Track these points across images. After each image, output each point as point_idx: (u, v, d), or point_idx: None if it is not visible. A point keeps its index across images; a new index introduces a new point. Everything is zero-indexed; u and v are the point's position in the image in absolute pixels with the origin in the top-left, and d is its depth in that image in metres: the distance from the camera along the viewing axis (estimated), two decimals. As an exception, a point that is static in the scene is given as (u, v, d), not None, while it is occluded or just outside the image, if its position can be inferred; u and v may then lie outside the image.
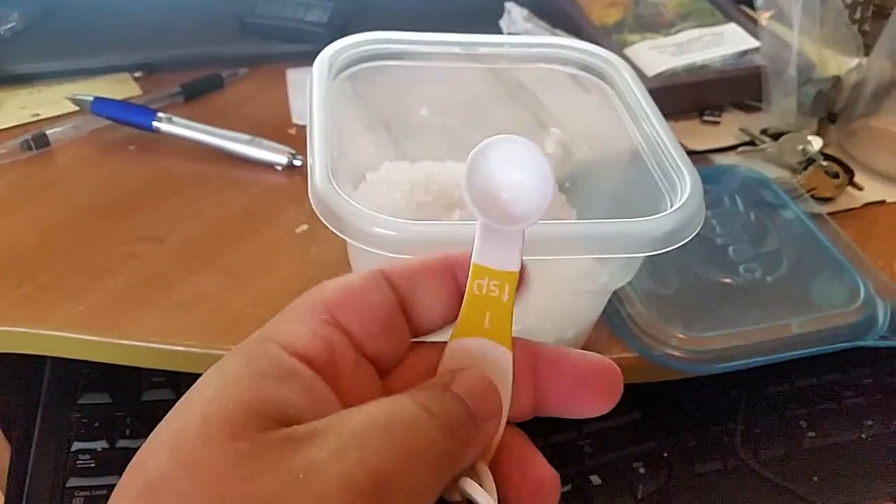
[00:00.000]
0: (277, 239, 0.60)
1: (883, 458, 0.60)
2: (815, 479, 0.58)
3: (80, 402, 0.60)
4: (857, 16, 0.81)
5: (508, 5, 0.80)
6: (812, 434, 0.61)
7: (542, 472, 0.27)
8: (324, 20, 0.77)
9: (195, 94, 0.74)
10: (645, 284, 0.56)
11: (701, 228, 0.44)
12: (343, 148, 0.48)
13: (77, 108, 0.69)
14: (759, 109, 0.76)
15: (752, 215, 0.64)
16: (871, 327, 0.56)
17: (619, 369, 0.28)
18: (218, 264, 0.58)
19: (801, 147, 0.71)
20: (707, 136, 0.74)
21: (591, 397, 0.27)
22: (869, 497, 0.58)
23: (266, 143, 0.66)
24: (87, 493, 0.55)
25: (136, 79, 0.75)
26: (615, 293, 0.55)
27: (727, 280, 0.59)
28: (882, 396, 0.64)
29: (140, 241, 0.59)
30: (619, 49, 0.75)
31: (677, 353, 0.53)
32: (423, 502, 0.22)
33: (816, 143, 0.71)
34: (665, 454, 0.59)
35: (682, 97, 0.75)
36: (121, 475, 0.22)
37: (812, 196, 0.67)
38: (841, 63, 0.75)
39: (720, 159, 0.72)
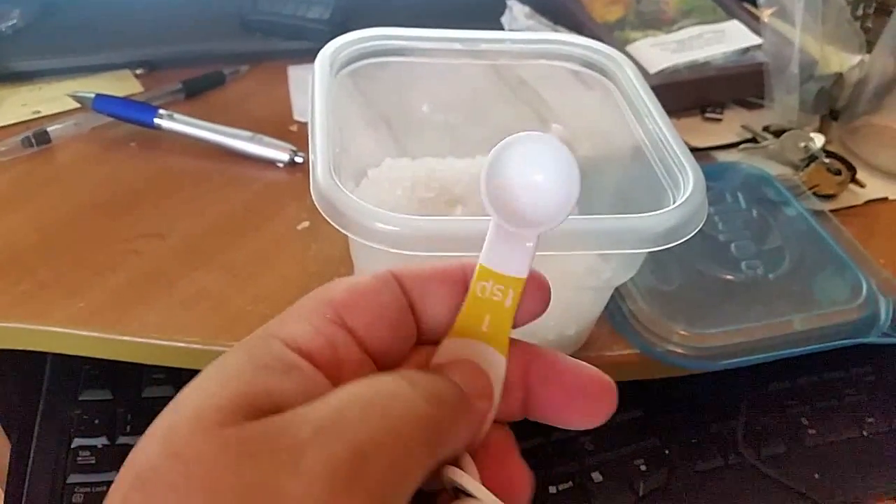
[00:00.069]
0: (279, 236, 0.60)
1: (884, 455, 0.60)
2: (816, 476, 0.58)
3: (80, 398, 0.60)
4: (860, 12, 0.81)
5: (510, 2, 0.80)
6: (813, 431, 0.61)
7: (513, 472, 0.26)
8: (325, 17, 0.77)
9: (196, 91, 0.74)
10: (647, 281, 0.56)
11: (703, 225, 0.44)
12: (345, 144, 0.48)
13: (78, 105, 0.69)
14: (761, 106, 0.76)
15: (755, 212, 0.64)
16: (873, 324, 0.56)
17: (613, 385, 0.27)
18: (219, 261, 0.58)
19: (803, 144, 0.71)
20: (709, 134, 0.74)
21: (580, 410, 0.27)
22: (870, 494, 0.58)
23: (267, 139, 0.66)
24: (88, 489, 0.55)
25: (137, 76, 0.75)
26: (617, 290, 0.55)
27: (729, 277, 0.59)
28: (883, 394, 0.64)
29: (141, 237, 0.59)
30: (620, 46, 0.75)
31: (679, 350, 0.53)
32: (411, 474, 0.22)
33: (818, 140, 0.71)
34: (666, 451, 0.59)
35: (684, 94, 0.75)
36: (121, 472, 0.22)
37: (814, 193, 0.67)
38: (843, 60, 0.75)
39: (722, 156, 0.72)
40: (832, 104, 0.76)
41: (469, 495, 0.24)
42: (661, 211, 0.43)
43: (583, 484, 0.56)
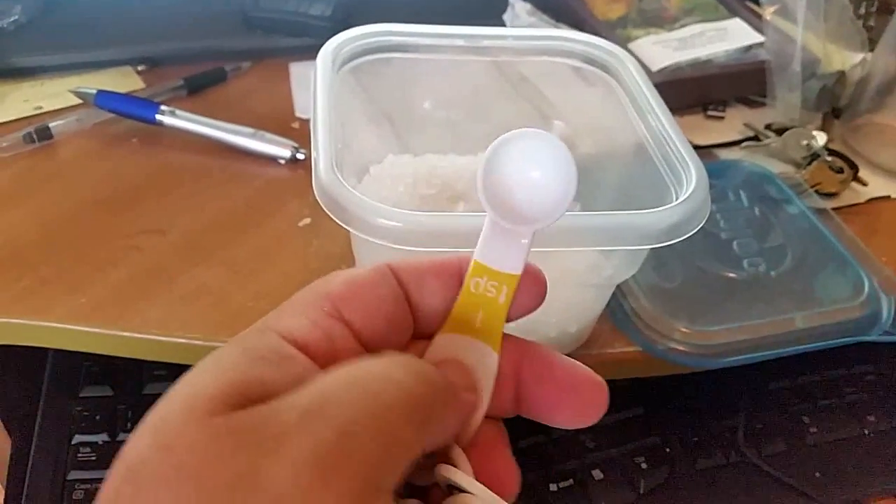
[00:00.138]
0: (280, 232, 0.60)
1: (885, 454, 0.60)
2: (818, 474, 0.58)
3: (81, 395, 0.60)
4: (862, 11, 0.80)
5: (512, 0, 0.80)
6: (814, 430, 0.61)
7: (502, 467, 0.26)
8: (327, 13, 0.77)
9: (198, 88, 0.74)
10: (649, 278, 0.56)
11: (705, 223, 0.44)
12: (347, 141, 0.48)
13: (80, 101, 0.69)
14: (763, 104, 0.76)
15: (757, 210, 0.64)
16: (874, 322, 0.56)
17: (605, 385, 0.27)
18: (220, 257, 0.58)
19: (805, 142, 0.71)
20: (711, 131, 0.74)
21: (570, 408, 0.27)
22: (871, 493, 0.58)
23: (269, 136, 0.66)
24: (88, 485, 0.55)
25: (139, 72, 0.75)
26: (619, 287, 0.55)
27: (731, 274, 0.59)
28: (884, 392, 0.64)
29: (142, 233, 0.59)
30: (622, 44, 0.75)
31: (681, 348, 0.53)
32: (399, 455, 0.22)
33: (821, 138, 0.71)
34: (667, 449, 0.59)
35: (686, 92, 0.75)
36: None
37: (816, 191, 0.67)
38: (845, 58, 0.75)
39: (724, 154, 0.72)
40: (834, 102, 0.75)
41: (463, 491, 0.24)
42: (664, 208, 0.43)
43: (583, 481, 0.56)
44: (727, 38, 0.77)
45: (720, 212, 0.63)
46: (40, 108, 0.70)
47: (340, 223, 0.41)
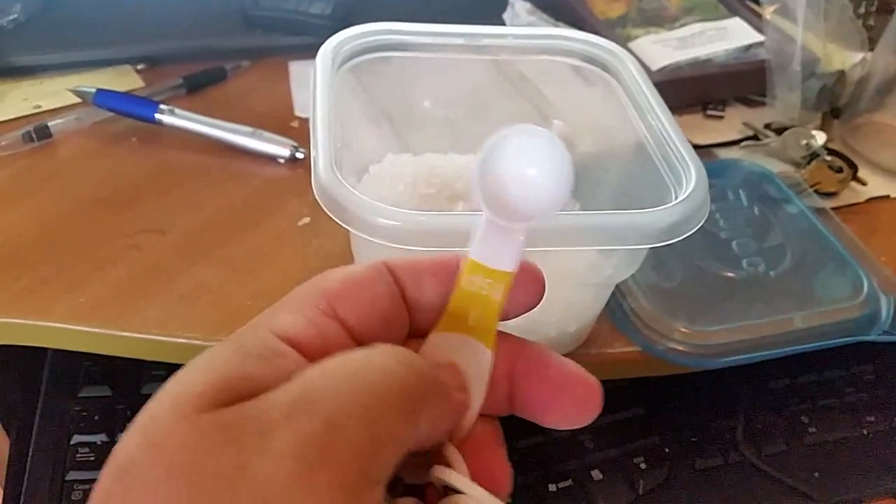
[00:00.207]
0: (279, 232, 0.60)
1: (884, 454, 0.60)
2: (816, 474, 0.58)
3: (80, 395, 0.60)
4: (862, 10, 0.80)
5: (512, -1, 0.80)
6: (813, 430, 0.61)
7: (495, 466, 0.26)
8: (326, 12, 0.77)
9: (198, 87, 0.73)
10: (648, 278, 0.56)
11: (704, 222, 0.44)
12: (346, 140, 0.48)
13: (79, 100, 0.69)
14: (762, 104, 0.76)
15: (756, 209, 0.64)
16: (874, 322, 0.56)
17: (599, 387, 0.26)
18: (219, 257, 0.57)
19: (804, 142, 0.71)
20: (710, 131, 0.74)
21: (562, 407, 0.26)
22: (870, 493, 0.58)
23: (268, 135, 0.66)
24: (87, 486, 0.55)
25: (138, 71, 0.75)
26: (618, 287, 0.55)
27: (730, 274, 0.59)
28: (884, 392, 0.64)
29: (142, 232, 0.59)
30: (622, 43, 0.74)
31: (680, 348, 0.53)
32: (388, 445, 0.21)
33: (820, 137, 0.71)
34: (666, 449, 0.59)
35: (686, 91, 0.75)
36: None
37: (816, 191, 0.67)
38: (845, 58, 0.75)
39: (724, 153, 0.72)
40: (834, 102, 0.75)
41: (458, 492, 0.24)
42: (663, 207, 0.43)
43: (583, 482, 0.56)
44: (727, 37, 0.77)
45: (719, 211, 0.63)
46: (39, 106, 0.70)
47: (340, 222, 0.41)
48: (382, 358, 0.23)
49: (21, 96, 0.71)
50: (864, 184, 0.69)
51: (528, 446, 0.58)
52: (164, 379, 0.60)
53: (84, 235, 0.58)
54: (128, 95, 0.69)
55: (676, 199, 0.44)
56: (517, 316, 0.27)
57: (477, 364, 0.26)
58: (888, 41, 0.73)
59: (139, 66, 0.75)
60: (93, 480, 0.55)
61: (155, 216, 0.60)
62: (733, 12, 0.80)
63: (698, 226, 0.43)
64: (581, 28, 0.75)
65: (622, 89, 0.53)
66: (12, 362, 0.62)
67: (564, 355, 0.27)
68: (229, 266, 0.57)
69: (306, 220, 0.61)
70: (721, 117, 0.76)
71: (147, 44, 0.76)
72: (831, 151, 0.71)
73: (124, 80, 0.74)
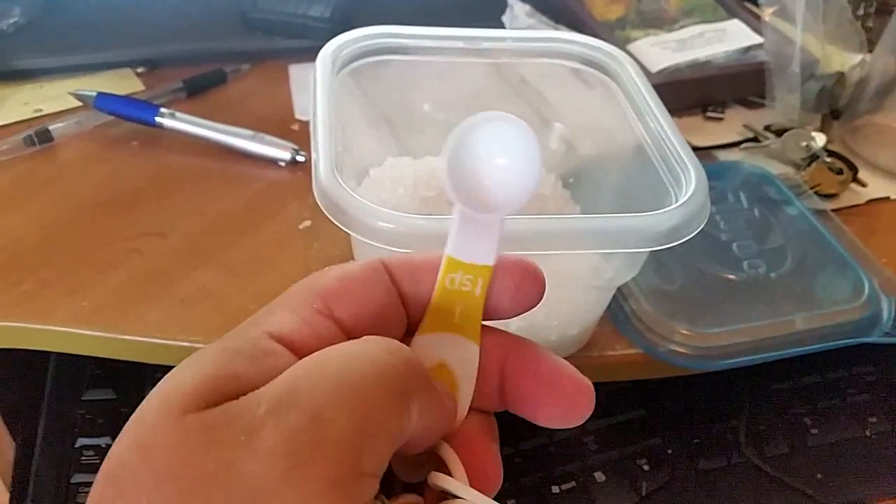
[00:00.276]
0: (280, 235, 0.60)
1: (887, 455, 0.60)
2: (819, 476, 0.58)
3: (84, 398, 0.60)
4: (861, 12, 0.80)
5: (511, 1, 0.80)
6: (816, 431, 0.61)
7: (487, 461, 0.26)
8: (326, 15, 0.77)
9: (198, 90, 0.73)
10: (649, 280, 0.56)
11: (705, 224, 0.44)
12: (346, 143, 0.48)
13: (80, 104, 0.69)
14: (762, 106, 0.76)
15: (756, 211, 0.64)
16: (875, 324, 0.56)
17: (590, 387, 0.26)
18: (220, 260, 0.58)
19: (804, 143, 0.71)
20: (710, 133, 0.74)
21: (553, 405, 0.26)
22: (873, 494, 0.58)
23: (269, 138, 0.66)
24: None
25: (138, 74, 0.75)
26: (619, 289, 0.55)
27: (731, 276, 0.59)
28: (886, 393, 0.64)
29: (143, 236, 0.59)
30: (621, 45, 0.75)
31: (681, 350, 0.53)
32: (377, 435, 0.21)
33: (820, 139, 0.71)
34: (669, 451, 0.59)
35: (686, 93, 0.75)
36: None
37: (816, 192, 0.67)
38: (844, 59, 0.75)
39: (724, 156, 0.72)
40: (833, 103, 0.76)
41: (455, 496, 0.24)
42: (663, 210, 0.43)
43: (585, 483, 0.56)
44: (726, 39, 0.77)
45: (720, 213, 0.63)
46: (40, 110, 0.70)
47: (340, 226, 0.41)
48: (369, 348, 0.23)
49: (22, 100, 0.71)
50: (864, 185, 0.70)
51: (531, 448, 0.58)
52: (166, 383, 0.58)
53: (85, 239, 0.58)
54: (128, 99, 0.69)
55: (676, 201, 0.44)
56: (518, 315, 0.27)
57: (464, 360, 0.26)
58: (887, 42, 0.73)
59: (139, 70, 0.76)
60: (96, 484, 0.55)
61: (156, 220, 0.61)
62: (732, 14, 0.81)
63: (699, 229, 0.43)
64: (580, 30, 0.75)
65: (622, 92, 0.53)
66: (16, 366, 0.62)
67: (566, 358, 0.27)
68: (230, 269, 0.57)
69: (307, 223, 0.61)
70: (721, 119, 0.76)
71: (147, 47, 0.77)
72: (831, 153, 0.71)
73: (125, 83, 0.74)
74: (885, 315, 0.56)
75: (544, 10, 0.80)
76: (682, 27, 0.79)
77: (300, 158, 0.66)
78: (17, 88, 0.72)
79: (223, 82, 0.75)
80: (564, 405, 0.26)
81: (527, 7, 0.79)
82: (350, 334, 0.25)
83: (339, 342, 0.24)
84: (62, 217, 0.60)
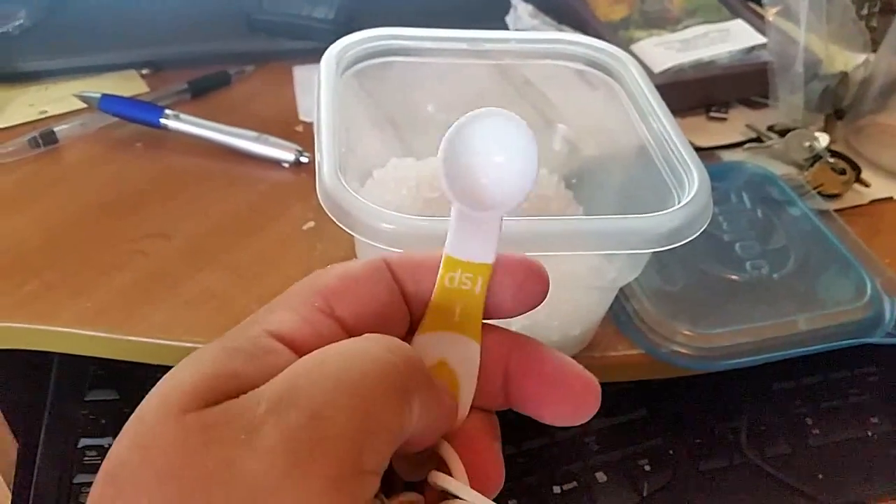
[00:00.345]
0: (284, 236, 0.60)
1: (888, 455, 0.60)
2: (821, 476, 0.58)
3: (87, 398, 0.61)
4: (865, 11, 0.80)
5: (514, 1, 0.80)
6: (817, 431, 0.61)
7: (489, 461, 0.26)
8: (330, 17, 0.78)
9: (202, 92, 0.74)
10: (651, 281, 0.56)
11: (707, 225, 0.44)
12: (350, 144, 0.48)
13: (85, 106, 0.69)
14: (765, 106, 0.76)
15: (759, 212, 0.64)
16: (877, 324, 0.56)
17: (596, 384, 0.26)
18: (224, 261, 0.58)
19: (807, 143, 0.71)
20: (713, 133, 0.74)
21: (558, 403, 0.26)
22: (874, 494, 0.58)
23: (273, 139, 0.66)
24: (95, 489, 0.55)
25: (143, 76, 0.75)
26: (621, 290, 0.55)
27: (734, 277, 0.59)
28: (887, 394, 0.64)
29: (147, 238, 0.59)
30: (625, 45, 0.75)
31: (684, 350, 0.53)
32: (378, 433, 0.21)
33: (823, 139, 0.71)
34: (670, 451, 0.59)
35: (689, 94, 0.75)
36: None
37: (819, 193, 0.67)
38: (848, 59, 0.75)
39: (727, 156, 0.72)
40: (837, 103, 0.75)
41: (455, 497, 0.24)
42: (666, 211, 0.43)
43: (587, 484, 0.57)
44: (730, 39, 0.77)
45: (722, 214, 0.63)
46: (45, 112, 0.70)
47: (344, 227, 0.41)
48: (369, 346, 0.23)
49: (27, 102, 0.71)
50: (867, 185, 0.69)
51: (532, 448, 0.58)
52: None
53: (89, 241, 0.59)
54: (133, 100, 0.69)
55: (679, 201, 0.44)
56: (522, 314, 0.27)
57: (465, 358, 0.26)
58: (891, 42, 0.73)
59: (144, 71, 0.76)
60: (100, 484, 0.56)
61: (160, 221, 0.61)
62: (736, 14, 0.81)
63: (701, 229, 0.43)
64: (583, 30, 0.75)
65: (625, 93, 0.53)
66: (19, 366, 0.62)
67: (558, 352, 0.27)
68: (234, 271, 0.57)
69: (311, 224, 0.61)
70: (724, 119, 0.76)
71: (152, 49, 0.77)
72: (834, 153, 0.71)
73: (129, 85, 0.74)
74: (887, 315, 0.56)
75: (548, 11, 0.80)
76: (685, 27, 0.79)
77: (304, 160, 0.66)
78: (22, 90, 0.72)
79: (227, 84, 0.75)
80: (570, 403, 0.26)
81: (530, 8, 0.79)
82: (351, 333, 0.24)
83: (339, 341, 0.24)
84: (66, 218, 0.60)
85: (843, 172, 0.69)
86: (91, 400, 0.60)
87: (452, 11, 0.72)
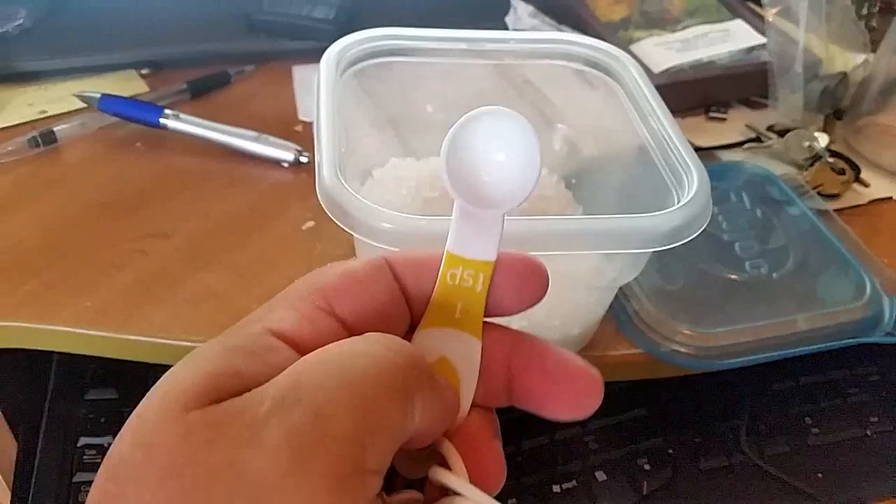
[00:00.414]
0: (284, 236, 0.60)
1: (888, 455, 0.60)
2: (820, 475, 0.58)
3: (86, 397, 0.61)
4: (864, 11, 0.80)
5: (514, 2, 0.80)
6: (817, 431, 0.61)
7: (489, 458, 0.26)
8: (330, 17, 0.78)
9: (202, 91, 0.74)
10: (651, 281, 0.56)
11: (707, 225, 0.44)
12: (350, 144, 0.48)
13: (84, 105, 0.69)
14: (765, 106, 0.76)
15: (759, 212, 0.64)
16: (877, 324, 0.56)
17: (599, 379, 0.26)
18: (224, 261, 0.58)
19: (807, 143, 0.71)
20: (713, 133, 0.74)
21: (561, 399, 0.26)
22: (873, 494, 0.58)
23: (272, 139, 0.66)
24: (95, 488, 0.55)
25: (142, 76, 0.75)
26: (621, 289, 0.55)
27: (733, 276, 0.59)
28: (887, 393, 0.64)
29: (147, 237, 0.59)
30: (625, 45, 0.75)
31: (683, 350, 0.53)
32: (380, 431, 0.21)
33: (823, 139, 0.71)
34: (670, 450, 0.59)
35: (689, 94, 0.75)
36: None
37: (818, 193, 0.67)
38: (847, 59, 0.75)
39: (726, 156, 0.72)
40: (836, 103, 0.76)
41: (455, 493, 0.24)
42: (666, 211, 0.43)
43: (587, 483, 0.57)
44: (729, 39, 0.77)
45: (722, 213, 0.63)
46: (45, 112, 0.70)
47: (343, 227, 0.41)
48: (371, 345, 0.23)
49: (26, 101, 0.71)
50: (866, 185, 0.70)
51: (532, 447, 0.58)
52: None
53: (89, 240, 0.59)
54: (132, 100, 0.69)
55: (679, 201, 0.44)
56: (522, 311, 0.27)
57: (466, 355, 0.26)
58: (891, 42, 0.73)
59: (143, 71, 0.76)
60: (100, 483, 0.56)
61: (160, 221, 0.61)
62: (735, 14, 0.81)
63: (701, 229, 0.43)
64: (583, 31, 0.75)
65: (624, 93, 0.53)
66: (19, 365, 0.62)
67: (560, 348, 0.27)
68: (234, 270, 0.57)
69: (310, 224, 0.61)
70: (723, 119, 0.76)
71: (151, 48, 0.77)
72: (834, 153, 0.71)
73: (129, 84, 0.74)
74: (886, 315, 0.56)
75: (547, 11, 0.80)
76: (685, 28, 0.79)
77: (304, 160, 0.66)
78: (21, 90, 0.72)
79: (227, 84, 0.75)
80: (574, 399, 0.26)
81: (530, 8, 0.79)
82: (351, 331, 0.25)
83: (340, 339, 0.24)
84: (66, 218, 0.60)
85: (842, 172, 0.69)
86: (91, 399, 0.60)
87: (452, 11, 0.72)
